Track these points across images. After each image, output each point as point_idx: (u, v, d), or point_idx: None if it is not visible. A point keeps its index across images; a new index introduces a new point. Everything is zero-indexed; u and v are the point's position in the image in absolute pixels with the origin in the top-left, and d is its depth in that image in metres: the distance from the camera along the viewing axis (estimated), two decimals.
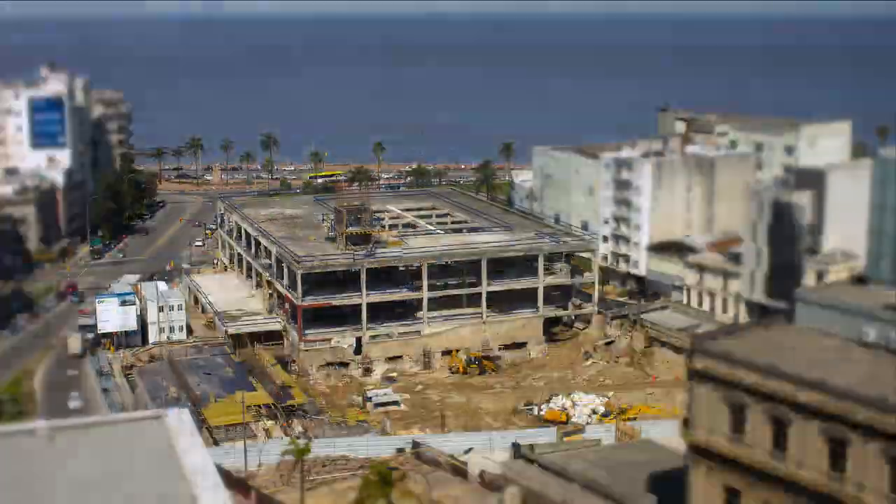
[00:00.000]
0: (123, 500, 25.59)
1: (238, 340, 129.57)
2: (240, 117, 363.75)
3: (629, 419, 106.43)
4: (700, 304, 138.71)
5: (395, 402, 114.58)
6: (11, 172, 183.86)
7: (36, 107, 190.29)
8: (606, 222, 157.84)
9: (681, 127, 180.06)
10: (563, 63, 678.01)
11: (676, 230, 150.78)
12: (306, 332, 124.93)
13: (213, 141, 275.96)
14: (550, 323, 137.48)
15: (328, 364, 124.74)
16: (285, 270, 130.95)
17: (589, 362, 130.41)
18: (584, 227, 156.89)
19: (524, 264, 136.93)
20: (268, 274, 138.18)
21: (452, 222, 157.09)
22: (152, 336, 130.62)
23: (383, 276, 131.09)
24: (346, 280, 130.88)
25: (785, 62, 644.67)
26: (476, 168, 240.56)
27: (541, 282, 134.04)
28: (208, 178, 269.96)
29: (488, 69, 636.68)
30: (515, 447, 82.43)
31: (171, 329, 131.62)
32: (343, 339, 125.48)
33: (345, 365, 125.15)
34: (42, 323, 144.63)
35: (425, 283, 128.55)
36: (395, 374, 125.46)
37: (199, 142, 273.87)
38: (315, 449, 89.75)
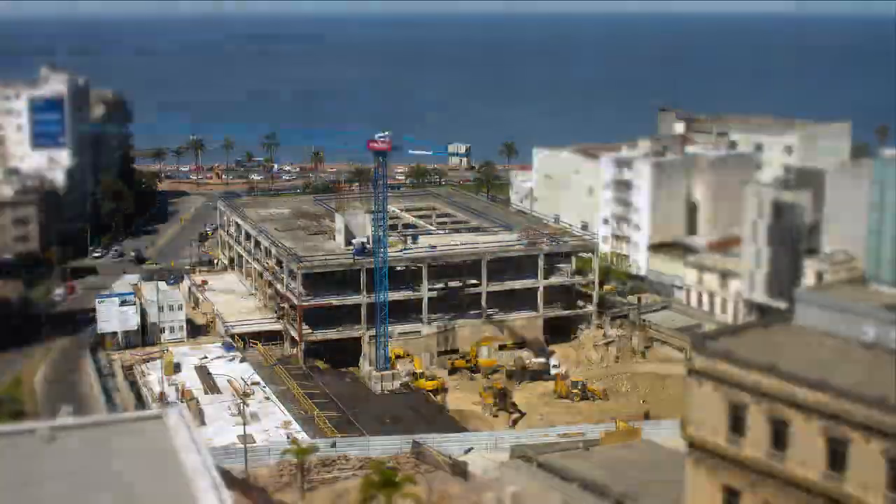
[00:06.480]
0: (123, 501, 25.61)
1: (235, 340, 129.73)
2: (238, 116, 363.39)
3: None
4: (700, 304, 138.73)
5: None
6: (11, 172, 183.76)
7: (36, 107, 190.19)
8: (606, 222, 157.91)
9: (681, 127, 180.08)
10: (561, 62, 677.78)
11: (676, 230, 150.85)
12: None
13: (212, 141, 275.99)
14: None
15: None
16: (285, 270, 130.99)
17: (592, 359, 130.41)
18: (584, 227, 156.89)
19: (524, 264, 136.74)
20: (268, 274, 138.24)
21: (452, 222, 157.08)
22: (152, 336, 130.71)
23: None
24: (345, 280, 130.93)
25: (785, 61, 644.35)
26: (476, 168, 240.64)
27: (541, 282, 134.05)
28: (208, 177, 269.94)
29: (486, 69, 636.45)
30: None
31: (172, 329, 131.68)
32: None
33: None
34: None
35: (425, 283, 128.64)
36: None
37: (200, 141, 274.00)
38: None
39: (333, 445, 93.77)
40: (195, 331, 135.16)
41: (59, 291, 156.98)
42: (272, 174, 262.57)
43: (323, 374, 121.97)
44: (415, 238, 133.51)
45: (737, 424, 56.08)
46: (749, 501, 56.14)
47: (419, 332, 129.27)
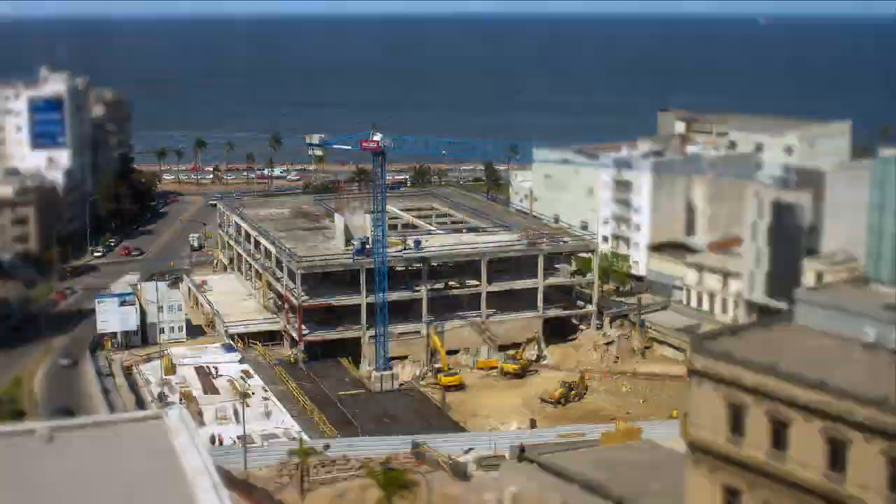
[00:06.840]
0: (123, 501, 25.59)
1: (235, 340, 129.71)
2: (239, 118, 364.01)
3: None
4: (700, 304, 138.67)
5: None
6: (11, 173, 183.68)
7: (36, 107, 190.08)
8: (606, 222, 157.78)
9: (681, 127, 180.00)
10: (559, 63, 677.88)
11: (676, 230, 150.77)
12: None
13: (213, 141, 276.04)
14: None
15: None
16: (285, 270, 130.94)
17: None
18: (584, 227, 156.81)
19: (524, 264, 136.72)
20: (268, 274, 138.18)
21: (452, 222, 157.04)
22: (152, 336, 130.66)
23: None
24: (345, 280, 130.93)
25: (785, 62, 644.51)
26: (476, 168, 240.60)
27: (541, 282, 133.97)
28: (209, 177, 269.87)
29: (486, 69, 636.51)
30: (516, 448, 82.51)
31: (171, 329, 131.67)
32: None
33: None
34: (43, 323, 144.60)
35: (425, 283, 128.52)
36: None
37: (201, 141, 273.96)
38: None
39: (326, 447, 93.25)
40: (195, 331, 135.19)
41: (50, 297, 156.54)
42: (271, 175, 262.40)
43: (323, 373, 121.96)
44: (417, 243, 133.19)
45: (737, 424, 56.03)
46: (749, 501, 56.11)
47: (419, 332, 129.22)
